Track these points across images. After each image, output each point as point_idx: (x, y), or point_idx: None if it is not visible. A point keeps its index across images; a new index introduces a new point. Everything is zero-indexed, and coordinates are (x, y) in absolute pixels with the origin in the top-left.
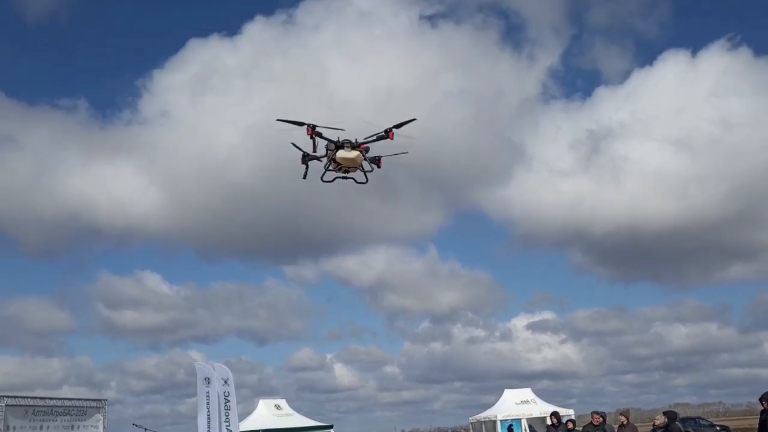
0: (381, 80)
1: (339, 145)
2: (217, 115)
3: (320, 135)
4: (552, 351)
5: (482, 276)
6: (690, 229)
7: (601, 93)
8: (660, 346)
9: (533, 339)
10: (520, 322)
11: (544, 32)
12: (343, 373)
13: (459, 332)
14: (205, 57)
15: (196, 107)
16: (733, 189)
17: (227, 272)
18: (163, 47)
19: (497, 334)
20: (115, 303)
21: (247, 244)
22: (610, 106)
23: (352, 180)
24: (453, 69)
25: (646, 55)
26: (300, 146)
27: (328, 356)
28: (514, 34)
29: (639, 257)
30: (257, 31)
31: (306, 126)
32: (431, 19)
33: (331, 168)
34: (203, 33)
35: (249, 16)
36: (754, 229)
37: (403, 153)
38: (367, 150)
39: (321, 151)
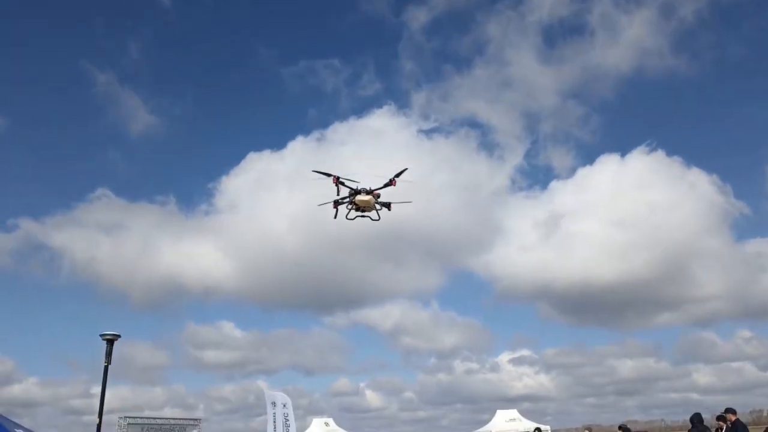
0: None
1: (357, 192)
2: (270, 207)
3: (343, 184)
4: (530, 380)
5: (474, 322)
6: (628, 285)
7: (555, 185)
8: (612, 376)
9: (515, 371)
10: (504, 358)
11: (510, 139)
12: (372, 398)
13: (459, 366)
14: (260, 166)
15: (255, 201)
16: (658, 255)
17: (282, 321)
18: (229, 159)
19: (488, 366)
20: (200, 345)
21: (296, 300)
22: (563, 194)
23: (368, 218)
24: (444, 168)
25: (587, 156)
26: (334, 194)
27: (361, 384)
28: (488, 141)
29: (591, 307)
30: (298, 146)
31: (332, 176)
32: (426, 133)
33: (352, 208)
34: (259, 148)
35: (292, 136)
36: (675, 286)
37: (407, 202)
38: (378, 196)
39: (344, 195)
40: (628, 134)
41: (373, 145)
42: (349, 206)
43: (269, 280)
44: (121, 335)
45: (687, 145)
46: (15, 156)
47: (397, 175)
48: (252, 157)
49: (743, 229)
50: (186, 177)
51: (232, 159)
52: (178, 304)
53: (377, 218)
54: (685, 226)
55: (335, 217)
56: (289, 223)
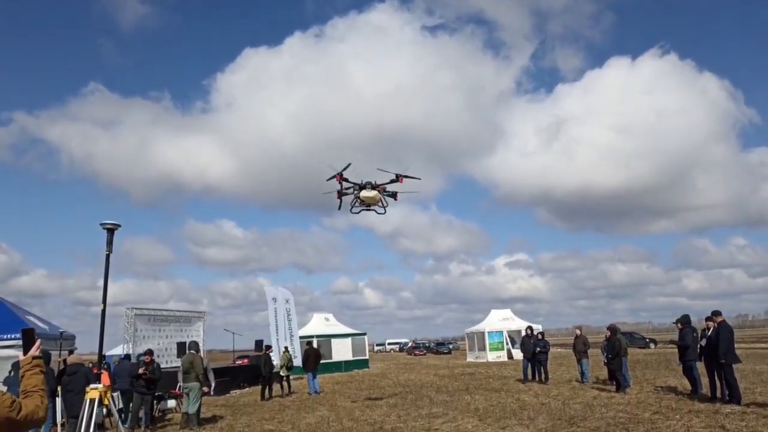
0: (391, 79)
1: (362, 187)
2: (268, 106)
3: (347, 180)
4: (524, 282)
5: (471, 226)
6: (629, 192)
7: (561, 88)
8: (604, 280)
9: (510, 273)
10: (500, 261)
11: (517, 38)
12: (371, 296)
13: (455, 268)
14: (256, 63)
15: (252, 99)
16: (661, 163)
17: (283, 221)
18: (224, 55)
19: (483, 269)
20: (201, 242)
21: (296, 200)
22: (568, 98)
23: (373, 211)
24: (447, 68)
25: (596, 58)
26: (339, 185)
27: (360, 283)
28: (494, 40)
29: (589, 213)
30: (296, 42)
31: (336, 175)
32: (431, 30)
33: (356, 203)
34: (255, 44)
35: (289, 32)
36: (675, 194)
37: (414, 192)
38: (383, 190)
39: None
40: (640, 35)
41: (375, 43)
42: (354, 201)
43: (269, 180)
44: (122, 226)
45: (701, 48)
46: (2, 45)
47: (406, 176)
48: (248, 53)
49: (750, 138)
50: (180, 73)
51: (227, 55)
52: (177, 201)
53: (383, 212)
54: (692, 133)
55: (339, 209)
56: (288, 123)
